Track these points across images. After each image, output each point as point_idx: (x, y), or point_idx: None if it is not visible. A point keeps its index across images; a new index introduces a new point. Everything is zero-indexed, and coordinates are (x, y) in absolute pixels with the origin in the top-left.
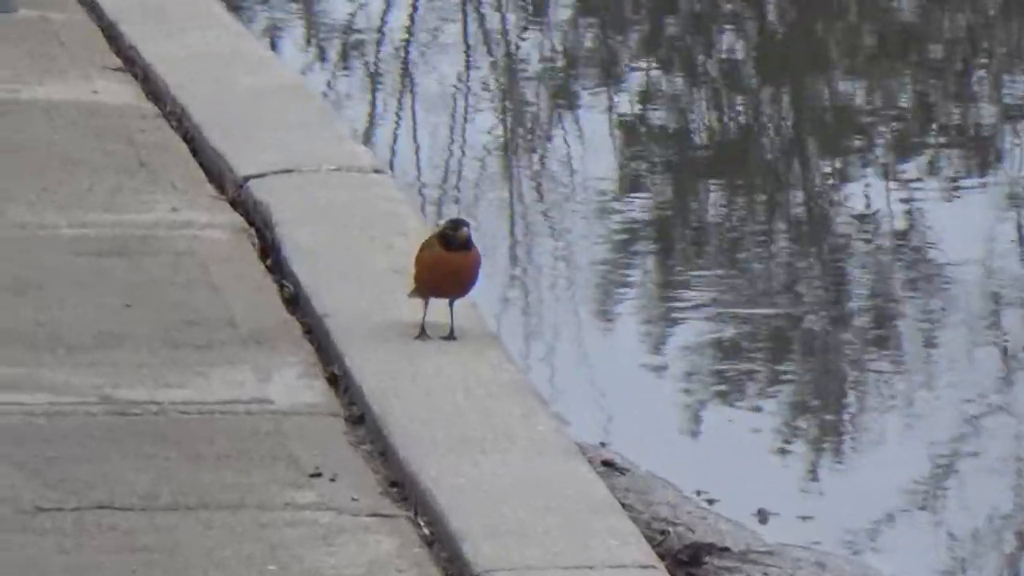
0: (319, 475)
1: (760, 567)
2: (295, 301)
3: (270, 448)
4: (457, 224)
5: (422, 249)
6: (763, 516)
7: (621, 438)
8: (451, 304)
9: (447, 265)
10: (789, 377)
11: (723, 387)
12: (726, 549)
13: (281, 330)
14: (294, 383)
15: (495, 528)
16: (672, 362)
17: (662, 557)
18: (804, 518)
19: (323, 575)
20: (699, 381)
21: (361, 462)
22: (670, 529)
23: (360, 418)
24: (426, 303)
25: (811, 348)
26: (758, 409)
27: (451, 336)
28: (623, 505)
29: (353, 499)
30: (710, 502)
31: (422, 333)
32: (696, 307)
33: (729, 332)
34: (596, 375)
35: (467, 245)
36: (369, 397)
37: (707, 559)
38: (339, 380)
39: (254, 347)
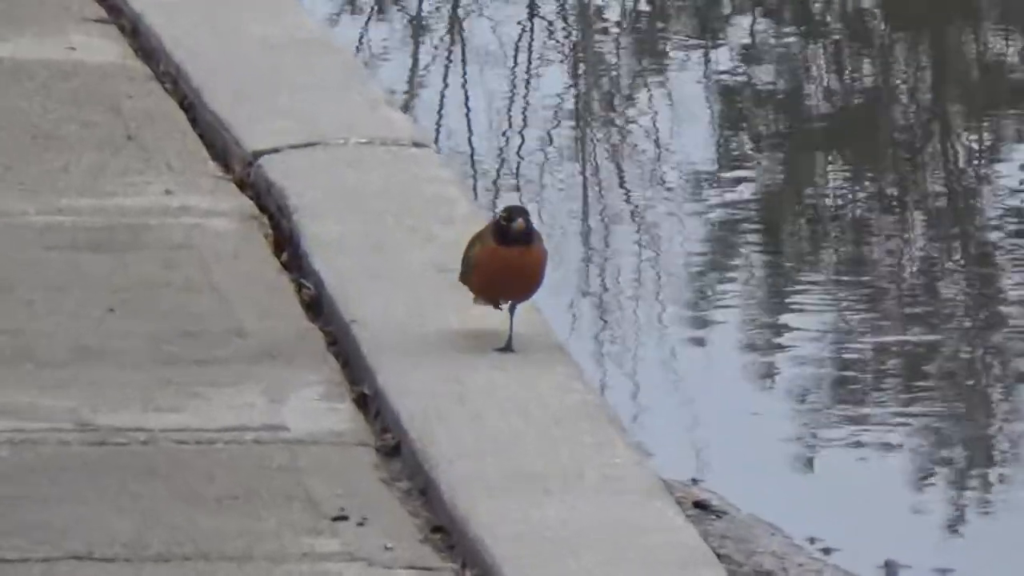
0: (344, 519)
1: None
2: (317, 306)
3: (284, 486)
4: (512, 212)
5: (471, 244)
6: (892, 569)
7: (717, 474)
8: (511, 309)
9: (501, 263)
10: (924, 405)
11: (842, 414)
12: None
13: (299, 341)
14: (314, 406)
15: None
16: (780, 383)
17: None
18: (942, 572)
19: None
20: (813, 407)
21: (396, 503)
22: None
23: (395, 448)
24: (497, 307)
25: (951, 373)
26: (886, 443)
27: (508, 348)
28: (719, 556)
29: (386, 548)
30: (826, 552)
31: (507, 346)
32: (810, 317)
33: (851, 348)
34: (686, 397)
35: (526, 238)
36: (407, 423)
37: None
38: (369, 402)
39: (266, 362)
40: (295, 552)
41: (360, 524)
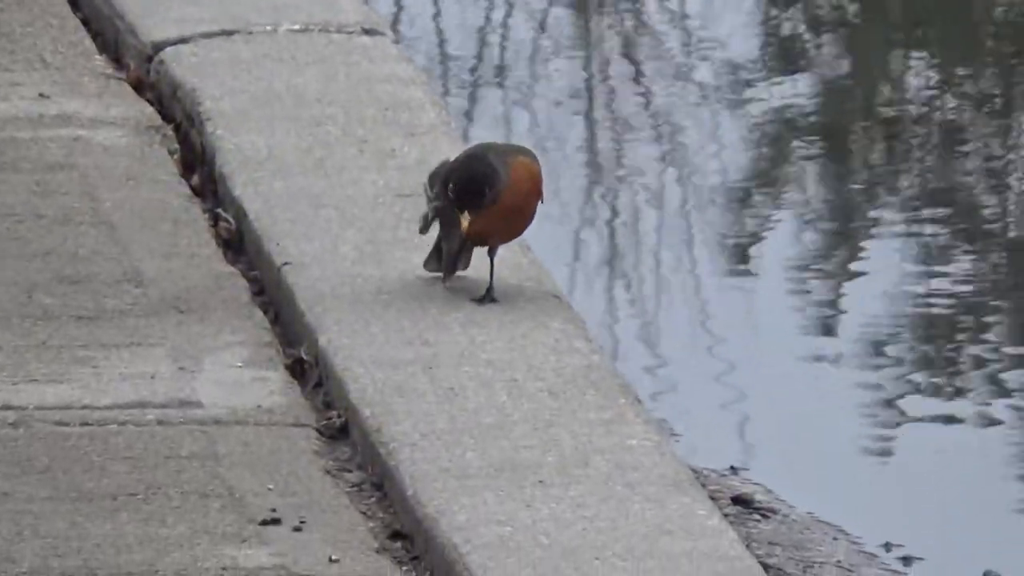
0: (276, 522)
1: None
2: (238, 243)
3: (199, 480)
4: (461, 197)
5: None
6: None
7: (763, 461)
8: (490, 252)
9: (465, 231)
10: None
11: (924, 387)
12: None
13: (215, 290)
14: (236, 375)
15: None
16: (843, 346)
17: None
18: None
19: None
20: (886, 377)
21: (344, 500)
22: None
23: (343, 430)
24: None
25: None
26: (979, 425)
27: (489, 297)
28: (766, 567)
29: (331, 560)
30: (906, 561)
31: (486, 294)
32: (883, 260)
33: (935, 302)
34: (723, 362)
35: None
36: (357, 397)
37: None
38: (308, 370)
39: (172, 317)
40: (213, 566)
41: (297, 528)
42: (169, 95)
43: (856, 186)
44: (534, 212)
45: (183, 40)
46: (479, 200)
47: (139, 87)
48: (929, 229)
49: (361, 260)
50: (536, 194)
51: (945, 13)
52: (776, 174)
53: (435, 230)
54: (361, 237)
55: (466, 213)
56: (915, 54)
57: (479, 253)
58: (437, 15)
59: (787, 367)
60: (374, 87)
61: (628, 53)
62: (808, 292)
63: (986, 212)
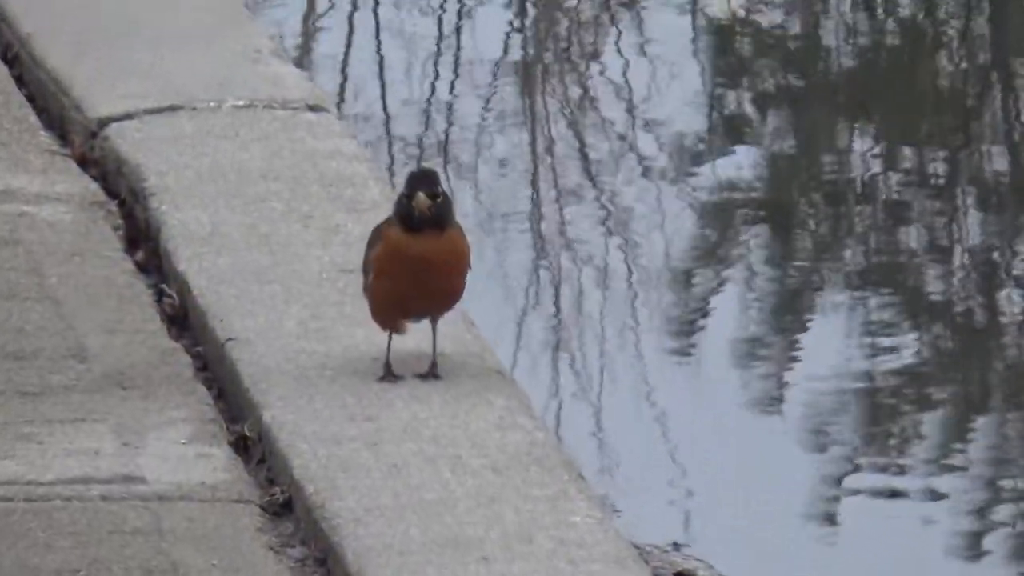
0: None
1: None
2: (182, 319)
3: (142, 556)
4: (416, 182)
5: (374, 234)
6: None
7: (706, 538)
8: (433, 323)
9: (406, 255)
10: (974, 449)
11: (868, 460)
12: None
13: (159, 366)
14: (180, 451)
15: None
16: (787, 419)
17: None
18: None
19: None
20: (830, 451)
21: None
22: None
23: (286, 506)
24: (390, 332)
25: (1010, 404)
26: (926, 498)
27: (432, 373)
28: None
29: None
30: None
31: (387, 373)
32: (826, 333)
33: (879, 374)
34: (666, 437)
35: (439, 220)
36: (301, 473)
37: None
38: (252, 446)
39: (115, 393)
40: None
41: None
42: (114, 171)
43: (800, 261)
44: (463, 278)
45: (128, 116)
46: (435, 183)
47: (84, 163)
48: (873, 304)
49: (305, 335)
50: (462, 257)
51: (890, 89)
52: (720, 249)
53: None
54: (306, 313)
55: (420, 195)
56: (859, 129)
57: (423, 329)
58: (382, 90)
59: (730, 443)
60: (318, 163)
61: (573, 127)
62: (752, 368)
63: (929, 287)
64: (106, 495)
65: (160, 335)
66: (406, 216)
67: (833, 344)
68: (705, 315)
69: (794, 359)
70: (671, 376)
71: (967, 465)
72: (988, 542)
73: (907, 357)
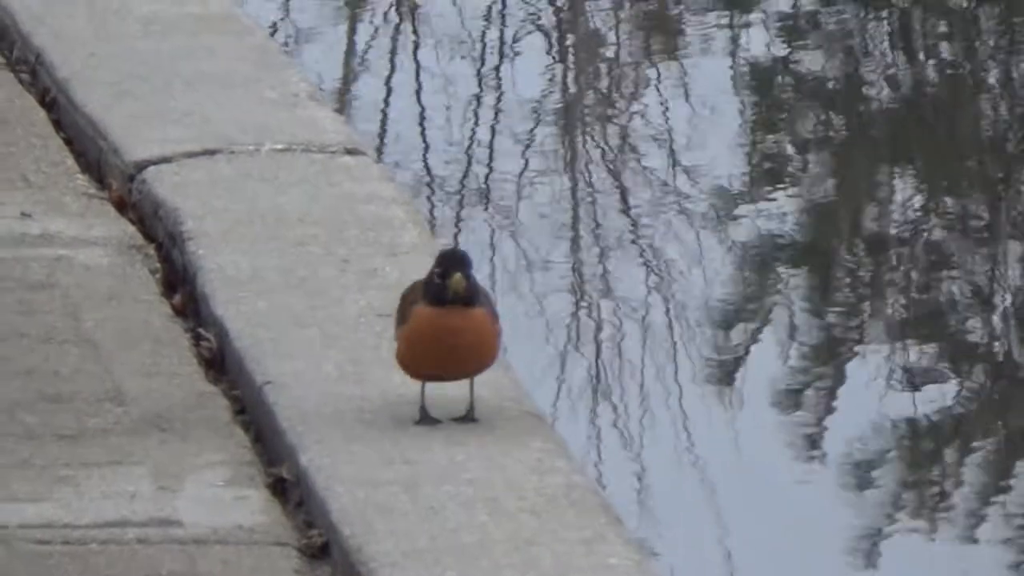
0: None
1: None
2: (220, 363)
3: None
4: (448, 262)
5: (403, 302)
6: None
7: None
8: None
9: (435, 330)
10: (1018, 496)
11: (906, 511)
12: None
13: (196, 409)
14: (217, 494)
15: None
16: (831, 467)
17: None
18: None
19: None
20: (869, 499)
21: None
22: None
23: (323, 549)
24: (422, 387)
25: None
26: (965, 544)
27: (470, 417)
28: None
29: None
30: None
31: (423, 416)
32: (871, 379)
33: (928, 424)
34: (706, 481)
35: (468, 298)
36: (338, 517)
37: None
38: (290, 489)
39: (153, 436)
40: None
41: None
42: (151, 214)
43: (840, 307)
44: (495, 351)
45: (165, 159)
46: (467, 265)
47: (121, 206)
48: (913, 350)
49: (343, 379)
50: (493, 333)
51: (931, 134)
52: (761, 295)
53: None
54: (343, 356)
55: (458, 275)
56: (901, 174)
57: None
58: (421, 134)
59: (769, 487)
60: (356, 207)
61: (613, 172)
62: (792, 413)
63: (970, 334)
64: (142, 538)
65: (197, 378)
66: (437, 293)
67: (873, 390)
68: (745, 360)
69: (834, 405)
70: (710, 421)
71: (1009, 512)
72: None
73: (948, 403)
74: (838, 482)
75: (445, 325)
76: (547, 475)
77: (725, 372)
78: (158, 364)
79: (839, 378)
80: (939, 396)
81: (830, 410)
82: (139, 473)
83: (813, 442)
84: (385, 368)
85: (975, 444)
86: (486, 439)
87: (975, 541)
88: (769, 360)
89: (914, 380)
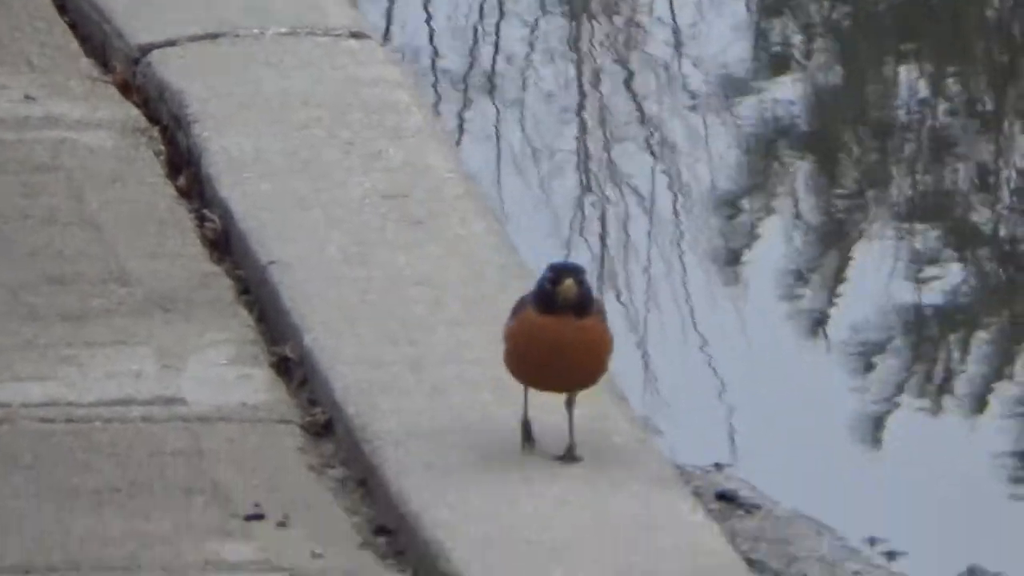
0: (260, 517)
1: None
2: (224, 243)
3: (183, 476)
4: (560, 273)
5: (518, 304)
6: None
7: (749, 458)
8: (568, 404)
9: (538, 339)
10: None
11: (913, 386)
12: None
13: (200, 289)
14: (221, 373)
15: None
16: (833, 345)
17: None
18: None
19: None
20: (875, 376)
21: (328, 496)
22: None
23: (327, 427)
24: (525, 392)
25: None
26: (969, 422)
27: (570, 456)
28: (750, 562)
29: (315, 555)
30: (890, 556)
31: (525, 435)
32: (876, 262)
33: (926, 304)
34: (709, 360)
35: (581, 306)
36: (342, 395)
37: None
38: (293, 368)
39: (157, 316)
40: (196, 560)
41: (281, 524)
42: (155, 97)
43: (846, 192)
44: (605, 364)
45: (170, 43)
46: (581, 273)
47: (125, 89)
48: (919, 235)
49: (347, 261)
50: (606, 345)
51: (937, 19)
52: (766, 180)
53: None
54: (347, 238)
55: (569, 281)
56: (906, 61)
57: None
58: (429, 23)
59: (775, 369)
60: (360, 90)
61: (619, 59)
62: (797, 296)
63: (975, 218)
64: (146, 416)
65: (201, 259)
66: (546, 300)
67: (878, 273)
68: (751, 245)
69: (839, 288)
70: (716, 303)
71: (1013, 389)
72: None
73: (952, 286)
74: (843, 365)
75: (551, 333)
76: None
77: (730, 257)
78: (162, 245)
79: (844, 263)
80: (944, 280)
81: (835, 295)
82: (143, 353)
83: (818, 326)
84: (389, 249)
85: (979, 328)
86: (490, 318)
87: (978, 423)
88: (775, 245)
89: (919, 265)
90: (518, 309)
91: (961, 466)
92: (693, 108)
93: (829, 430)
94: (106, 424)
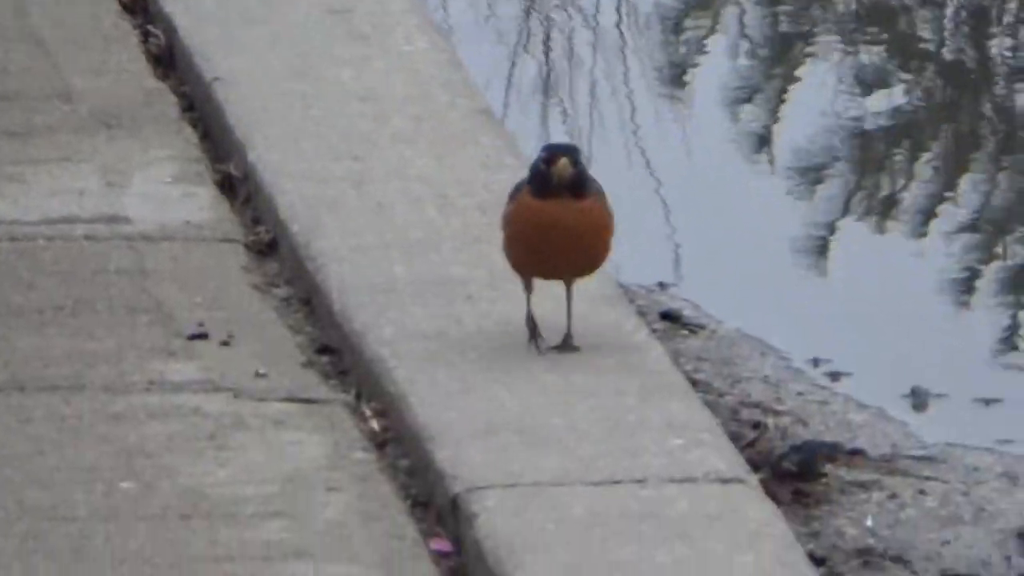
0: (204, 336)
1: (912, 480)
2: (168, 59)
3: (126, 294)
4: (554, 153)
5: (514, 190)
6: (920, 399)
7: (692, 277)
8: (567, 291)
9: (536, 223)
10: (967, 189)
11: (853, 208)
12: (859, 452)
13: (145, 106)
14: (165, 191)
15: (488, 422)
16: (776, 166)
17: (755, 466)
18: (985, 402)
19: (208, 495)
20: (817, 196)
21: (272, 315)
22: (769, 421)
23: (271, 245)
24: (527, 285)
25: (988, 133)
26: (916, 239)
27: (568, 344)
28: (693, 383)
29: (258, 374)
30: (834, 377)
31: (532, 334)
32: (817, 86)
33: (870, 128)
34: (653, 176)
35: (577, 187)
36: (286, 213)
37: (827, 468)
38: (238, 185)
39: (101, 133)
40: (139, 380)
41: (224, 343)
42: None
43: (791, 9)
44: (606, 248)
45: None
46: (575, 152)
47: None
48: (864, 51)
49: (291, 76)
50: (607, 227)
51: None
52: None
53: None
54: (292, 54)
55: (564, 160)
56: None
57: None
58: None
59: (719, 186)
60: None
61: None
62: (742, 114)
63: (921, 32)
64: (90, 235)
65: (146, 75)
66: (541, 182)
67: (824, 92)
68: (696, 62)
69: (784, 104)
70: (661, 122)
71: (957, 209)
72: (977, 278)
73: (898, 105)
74: (788, 185)
75: (549, 217)
76: (496, 171)
77: (675, 74)
78: (107, 61)
79: (790, 80)
80: (889, 99)
81: (780, 114)
82: (87, 170)
83: (763, 145)
84: (335, 65)
85: (925, 148)
86: (434, 136)
87: (923, 244)
88: (720, 62)
89: (865, 84)
90: (514, 194)
91: (905, 287)
92: None
93: (774, 250)
94: (50, 242)
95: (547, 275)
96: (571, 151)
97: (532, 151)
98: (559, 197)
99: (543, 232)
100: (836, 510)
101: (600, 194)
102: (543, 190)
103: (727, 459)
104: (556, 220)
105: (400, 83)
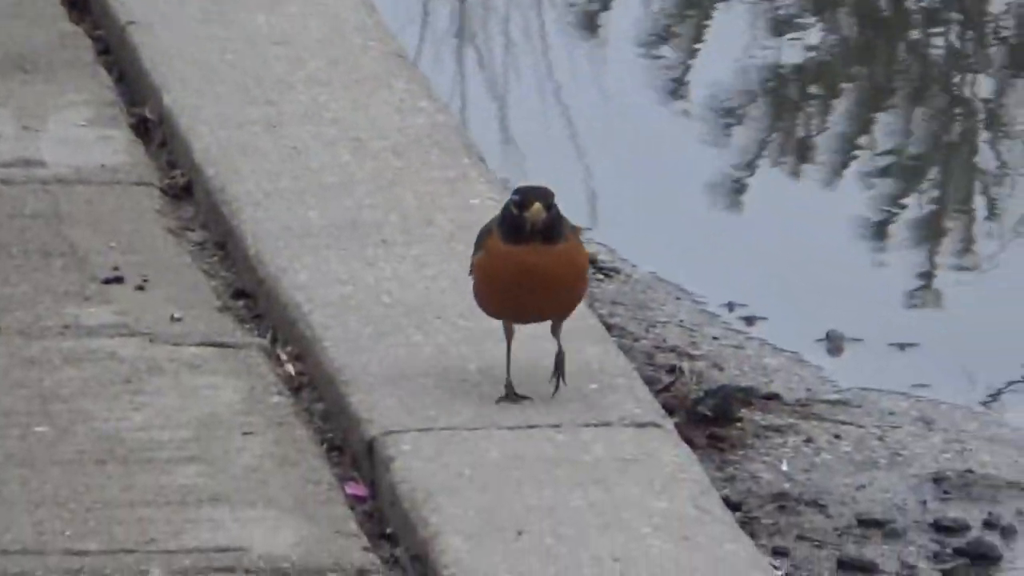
0: (119, 280)
1: (828, 425)
2: (83, 3)
3: (40, 238)
4: (528, 195)
5: (480, 236)
6: (835, 343)
7: (607, 221)
8: (552, 329)
9: (510, 267)
10: (887, 123)
11: (768, 153)
12: (774, 397)
13: (61, 50)
14: (80, 134)
15: (403, 367)
16: (691, 109)
17: (670, 411)
18: (901, 347)
19: (123, 440)
20: (732, 140)
21: (187, 259)
22: (684, 365)
23: (186, 189)
24: (507, 333)
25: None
26: (823, 184)
27: (557, 385)
28: (608, 327)
29: (174, 318)
30: (749, 321)
31: (508, 393)
32: (731, 32)
33: (784, 73)
34: (569, 124)
35: (551, 233)
36: (201, 156)
37: (743, 412)
38: (153, 129)
39: (15, 76)
40: (54, 324)
41: (139, 287)
42: None
43: None
44: (581, 289)
45: None
46: (549, 196)
47: None
48: None
49: (207, 21)
50: (582, 269)
51: None
52: None
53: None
54: None
55: (537, 204)
56: None
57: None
58: None
59: (634, 130)
60: None
61: None
62: (657, 58)
63: None
64: (5, 179)
65: (61, 19)
66: (513, 226)
67: (738, 36)
68: (611, 3)
69: (699, 49)
70: (576, 65)
71: (872, 153)
72: (892, 222)
73: (812, 46)
74: (702, 128)
75: (520, 264)
76: (410, 115)
77: (590, 17)
78: (21, 4)
79: (704, 20)
80: (804, 41)
81: (695, 53)
82: (2, 114)
83: (678, 86)
84: (249, 10)
85: (839, 91)
86: (349, 79)
87: (838, 188)
88: (635, 5)
89: (779, 25)
90: (482, 238)
91: (820, 231)
92: None
93: (688, 194)
94: None
95: (521, 320)
96: (544, 195)
97: (446, 94)
98: (531, 242)
99: (517, 279)
100: (751, 455)
101: (574, 231)
102: (515, 235)
103: (642, 404)
104: (532, 267)
105: (314, 27)
